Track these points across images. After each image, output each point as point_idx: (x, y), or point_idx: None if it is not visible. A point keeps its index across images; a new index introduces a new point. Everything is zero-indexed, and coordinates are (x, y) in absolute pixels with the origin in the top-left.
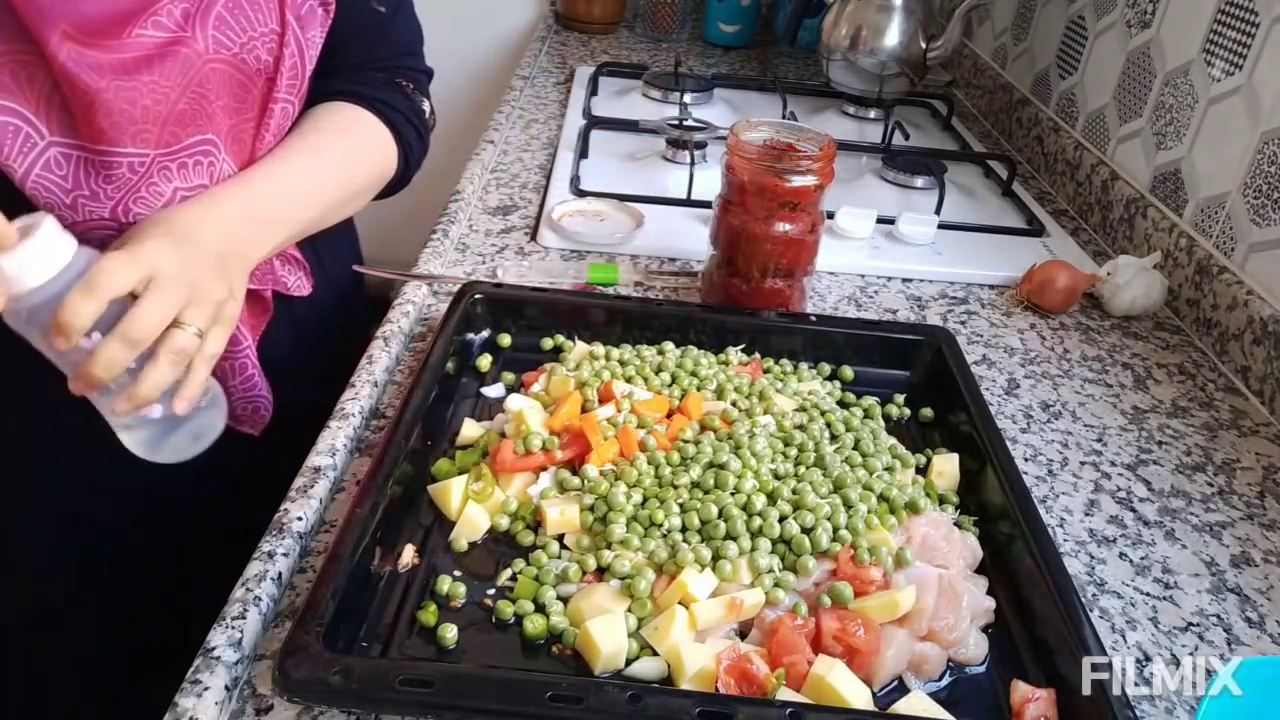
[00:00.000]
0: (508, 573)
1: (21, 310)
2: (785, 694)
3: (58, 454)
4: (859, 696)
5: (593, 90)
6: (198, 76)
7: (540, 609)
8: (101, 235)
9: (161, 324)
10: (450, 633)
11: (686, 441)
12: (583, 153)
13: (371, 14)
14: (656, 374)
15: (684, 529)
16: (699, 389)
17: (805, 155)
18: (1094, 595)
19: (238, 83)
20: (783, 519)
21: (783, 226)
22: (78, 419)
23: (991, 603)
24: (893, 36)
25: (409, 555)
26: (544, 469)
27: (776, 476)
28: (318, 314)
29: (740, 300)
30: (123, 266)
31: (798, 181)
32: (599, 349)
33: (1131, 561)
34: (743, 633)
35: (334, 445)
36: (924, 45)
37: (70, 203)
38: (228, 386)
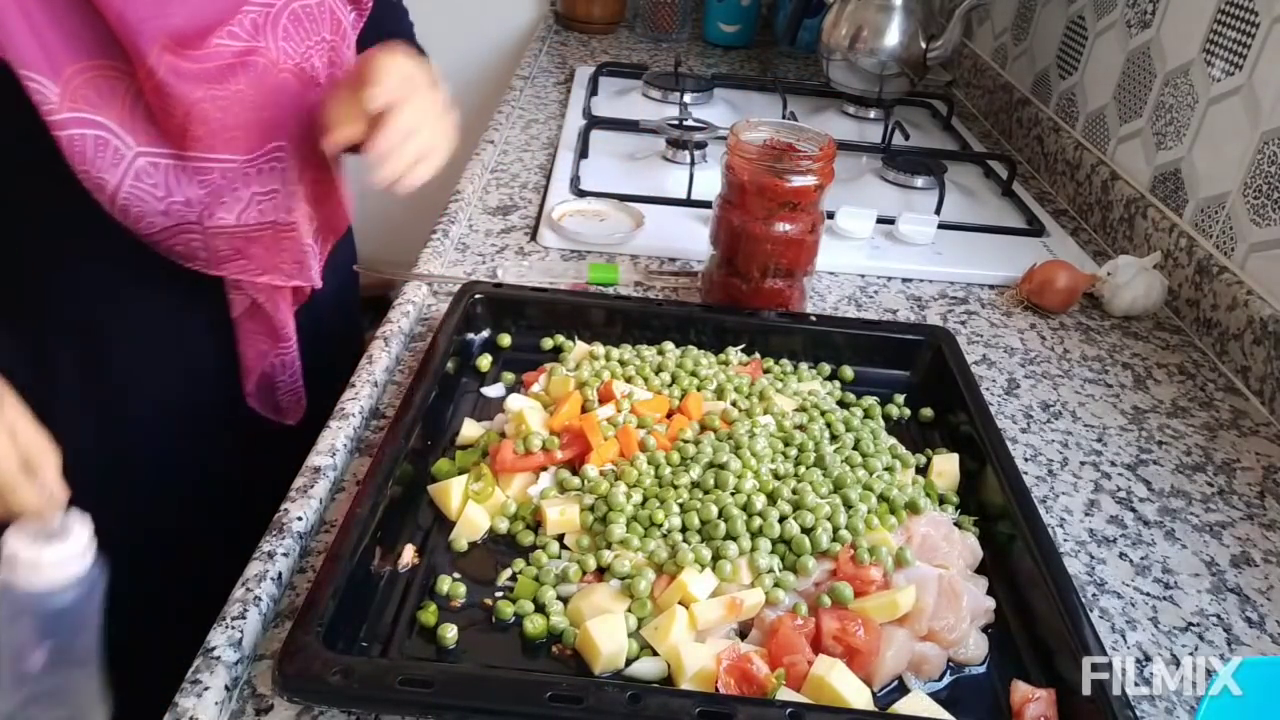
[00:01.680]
0: (508, 573)
1: (35, 609)
2: (785, 694)
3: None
4: (859, 696)
5: (593, 90)
6: (273, 84)
7: (540, 609)
8: (188, 239)
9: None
10: (450, 633)
11: (686, 441)
12: (583, 153)
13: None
14: (656, 374)
15: (684, 529)
16: (699, 389)
17: (805, 155)
18: (1094, 595)
19: (299, 90)
20: (783, 519)
21: (783, 226)
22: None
23: (991, 603)
24: (893, 36)
25: (409, 555)
26: (544, 469)
27: (776, 476)
28: (317, 313)
29: (740, 300)
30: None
31: (798, 182)
32: (599, 349)
33: (1131, 561)
34: (743, 633)
35: (334, 445)
36: (924, 45)
37: (164, 209)
38: (275, 382)
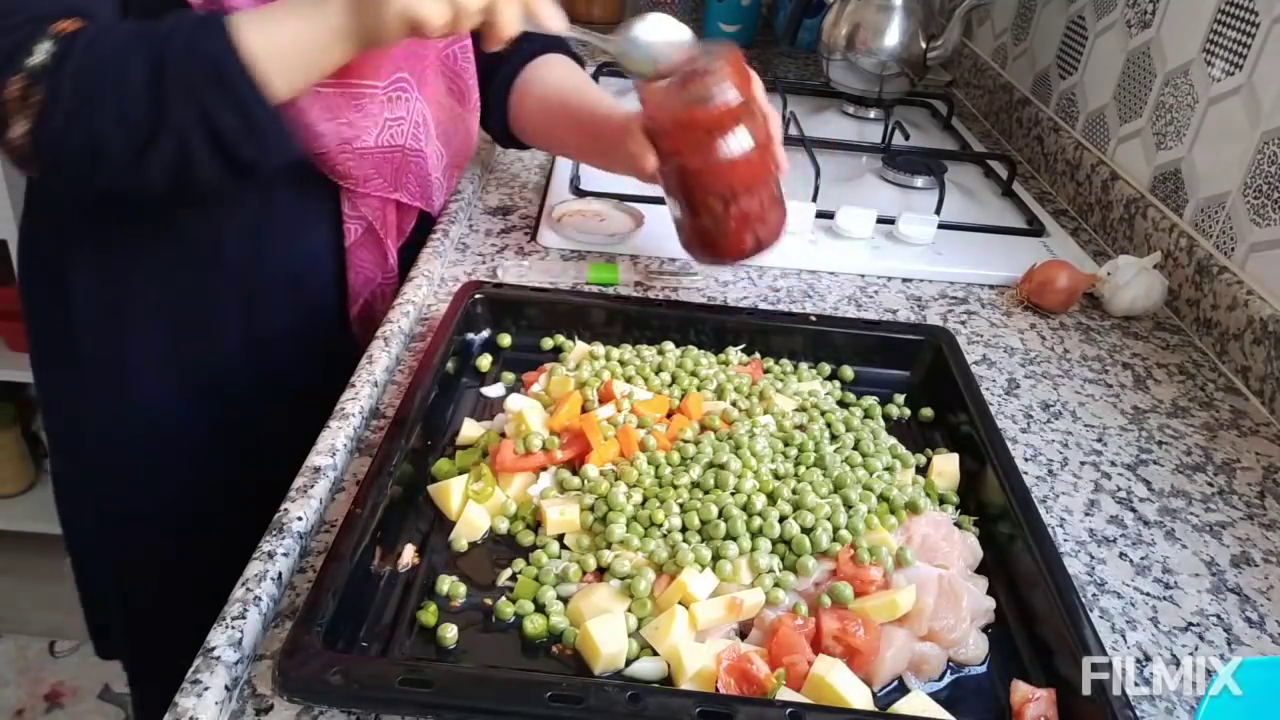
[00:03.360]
0: (508, 573)
1: None
2: (785, 694)
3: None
4: (859, 696)
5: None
6: None
7: (540, 609)
8: (345, 159)
9: None
10: (450, 633)
11: (686, 441)
12: None
13: None
14: (656, 374)
15: (684, 529)
16: (699, 389)
17: (708, 71)
18: (1094, 595)
19: None
20: (783, 519)
21: (725, 151)
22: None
23: (991, 603)
24: (893, 36)
25: (409, 555)
26: (544, 469)
27: (776, 476)
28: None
29: (720, 243)
30: None
31: (717, 100)
32: (599, 349)
33: (1131, 561)
34: (743, 633)
35: (334, 445)
36: (924, 45)
37: (335, 130)
38: (374, 311)
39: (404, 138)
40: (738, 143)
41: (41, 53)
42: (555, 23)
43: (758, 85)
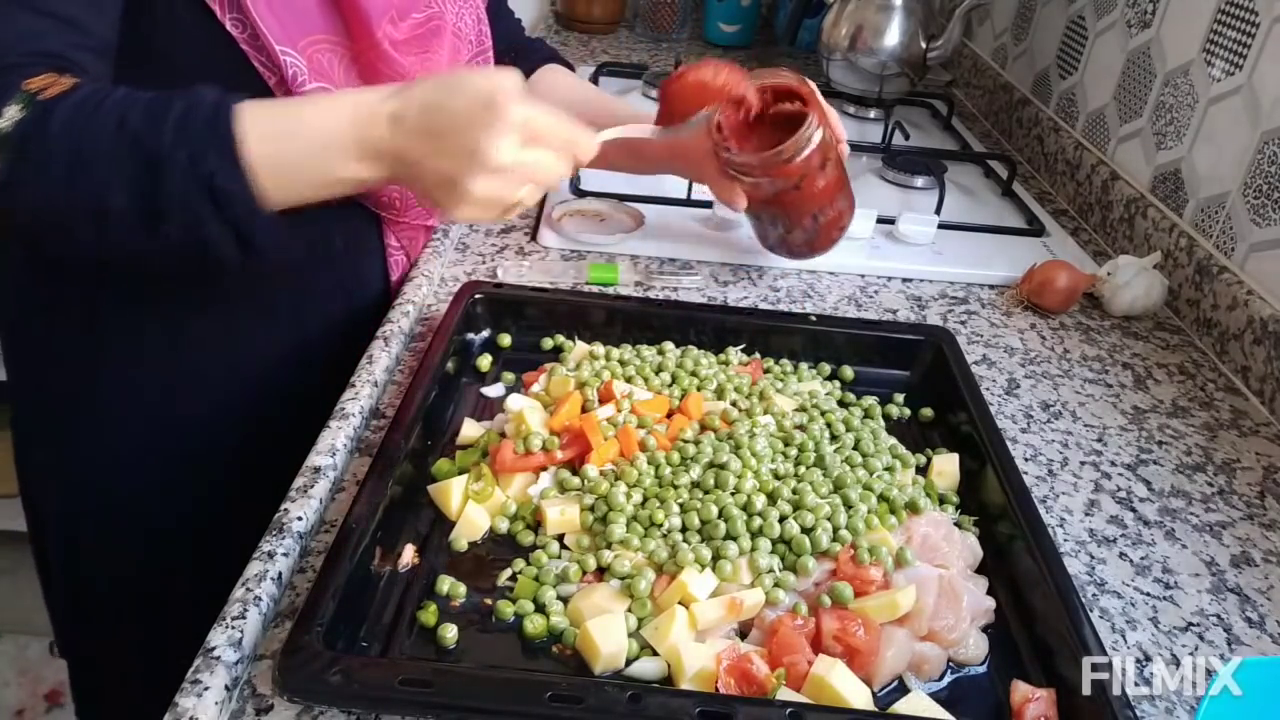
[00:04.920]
0: (508, 573)
1: None
2: (785, 694)
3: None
4: (859, 696)
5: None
6: (450, 46)
7: (540, 609)
8: (389, 190)
9: None
10: (450, 633)
11: (686, 441)
12: None
13: None
14: (656, 374)
15: (684, 529)
16: (699, 389)
17: (792, 112)
18: (1094, 595)
19: (458, 48)
20: (783, 519)
21: (818, 182)
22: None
23: (991, 603)
24: (893, 36)
25: (409, 555)
26: (544, 469)
27: (777, 476)
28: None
29: (813, 247)
30: None
31: (808, 151)
32: (599, 349)
33: (1131, 561)
34: (743, 633)
35: (334, 445)
36: (924, 45)
37: None
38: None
39: None
40: (826, 172)
41: (7, 119)
42: (592, 150)
43: (821, 98)
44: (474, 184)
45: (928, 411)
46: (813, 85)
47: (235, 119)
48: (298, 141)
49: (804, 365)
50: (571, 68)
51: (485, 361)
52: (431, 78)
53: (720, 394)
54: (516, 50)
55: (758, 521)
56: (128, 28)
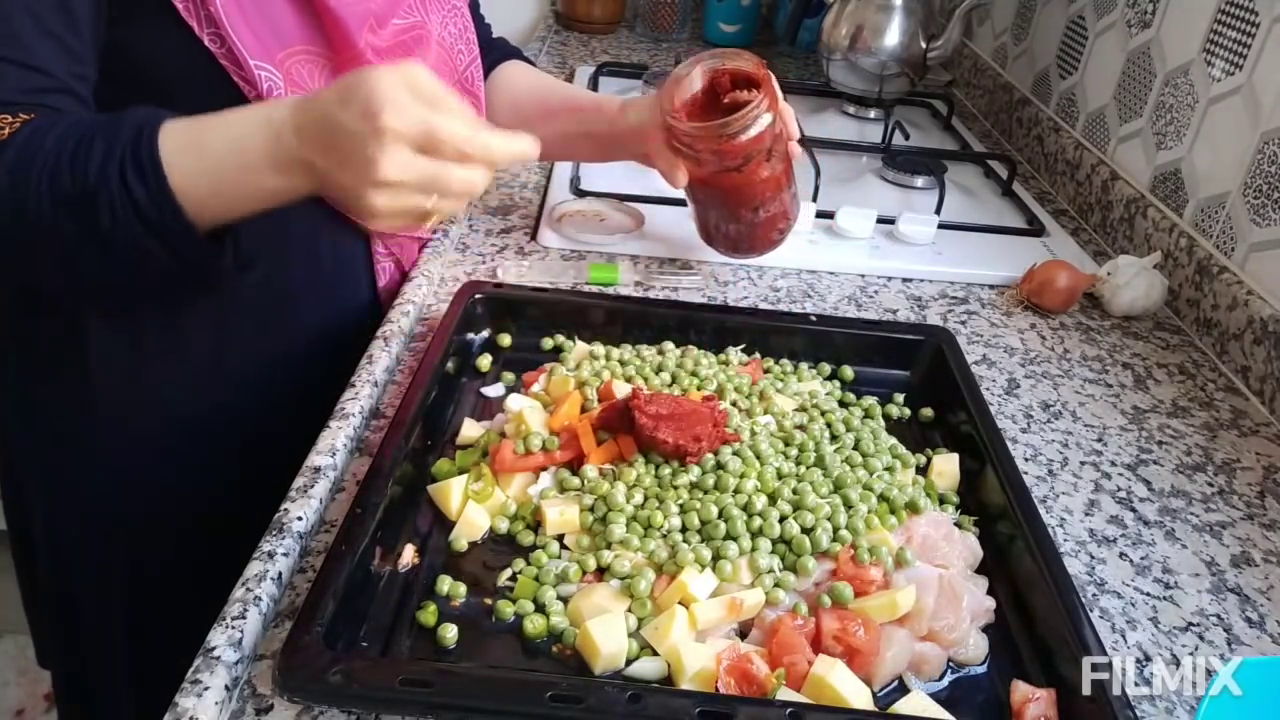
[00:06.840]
0: (508, 573)
1: None
2: (785, 694)
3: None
4: (859, 696)
5: (593, 90)
6: (434, 55)
7: (540, 609)
8: None
9: None
10: (450, 633)
11: None
12: None
13: None
14: (656, 374)
15: (684, 529)
16: (699, 389)
17: (745, 100)
18: (1094, 595)
19: (442, 57)
20: (783, 519)
21: (760, 170)
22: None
23: (991, 603)
24: (893, 36)
25: (409, 555)
26: (544, 469)
27: (777, 476)
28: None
29: (750, 243)
30: None
31: (754, 131)
32: (599, 349)
33: (1131, 561)
34: (743, 633)
35: (334, 445)
36: (924, 45)
37: None
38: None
39: None
40: (772, 164)
41: None
42: (511, 151)
43: (776, 87)
44: (372, 198)
45: (928, 411)
46: (769, 73)
47: (160, 140)
48: (215, 159)
49: (804, 365)
50: (531, 62)
51: (485, 361)
52: (337, 82)
53: (720, 394)
54: (479, 50)
55: (758, 521)
56: (112, 47)
